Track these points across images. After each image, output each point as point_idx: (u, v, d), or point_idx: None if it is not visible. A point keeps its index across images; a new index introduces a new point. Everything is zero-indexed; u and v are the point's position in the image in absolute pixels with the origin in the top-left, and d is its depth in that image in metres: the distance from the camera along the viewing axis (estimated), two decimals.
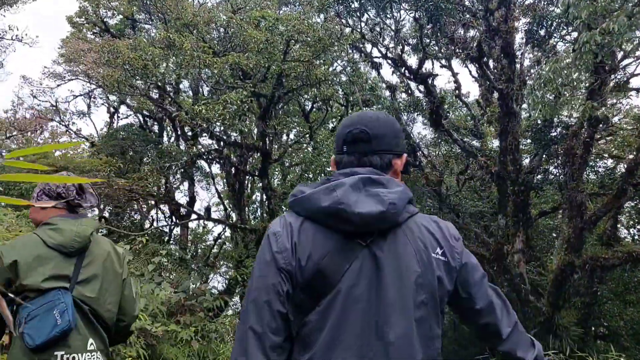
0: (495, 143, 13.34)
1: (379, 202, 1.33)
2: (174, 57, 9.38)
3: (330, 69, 13.71)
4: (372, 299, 1.32)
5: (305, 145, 16.98)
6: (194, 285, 8.06)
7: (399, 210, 1.36)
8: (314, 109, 15.42)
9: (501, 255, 10.84)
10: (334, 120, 16.95)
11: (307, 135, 14.97)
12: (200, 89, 13.75)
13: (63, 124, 18.94)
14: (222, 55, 9.99)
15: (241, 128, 10.33)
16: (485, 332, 1.53)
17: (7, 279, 2.10)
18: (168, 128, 16.92)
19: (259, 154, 13.57)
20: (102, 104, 19.22)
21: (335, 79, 13.78)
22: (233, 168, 14.34)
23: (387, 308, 1.32)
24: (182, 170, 15.55)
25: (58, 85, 15.97)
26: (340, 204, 1.32)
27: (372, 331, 1.31)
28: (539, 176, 12.34)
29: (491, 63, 12.41)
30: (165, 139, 16.92)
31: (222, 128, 11.24)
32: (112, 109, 18.19)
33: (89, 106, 18.56)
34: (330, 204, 1.33)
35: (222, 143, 13.24)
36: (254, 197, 19.28)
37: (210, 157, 14.19)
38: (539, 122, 11.58)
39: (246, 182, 16.63)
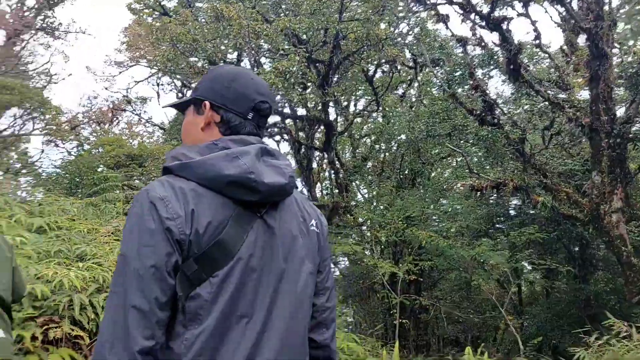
0: (584, 95, 11.92)
1: (280, 174, 1.34)
2: (222, 29, 8.96)
3: (396, 30, 12.80)
4: (266, 268, 1.30)
5: (373, 114, 16.20)
6: None
7: (294, 183, 1.40)
8: (379, 73, 14.55)
9: (597, 216, 9.62)
10: (403, 85, 16.00)
11: (374, 103, 14.14)
12: (259, 61, 13.32)
13: (135, 113, 19.52)
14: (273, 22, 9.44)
15: (297, 98, 9.78)
16: (319, 314, 1.48)
17: None
18: None
19: (322, 127, 13.02)
20: (171, 90, 19.58)
21: (400, 39, 12.86)
22: (296, 143, 13.90)
23: (280, 278, 1.32)
24: None
25: (120, 73, 16.27)
26: (250, 174, 1.26)
27: (266, 301, 1.28)
28: (637, 126, 10.89)
29: (575, 4, 10.97)
30: None
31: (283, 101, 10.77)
32: (179, 94, 18.42)
33: (158, 94, 18.96)
34: (237, 172, 1.26)
35: (283, 117, 12.84)
36: (325, 172, 18.89)
37: (275, 132, 13.82)
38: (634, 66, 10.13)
39: (315, 157, 16.16)
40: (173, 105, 1.57)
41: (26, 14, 13.05)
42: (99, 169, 12.40)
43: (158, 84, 18.61)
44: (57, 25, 14.33)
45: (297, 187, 1.43)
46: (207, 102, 1.39)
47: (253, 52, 10.04)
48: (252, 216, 1.30)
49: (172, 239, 1.19)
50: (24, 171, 11.15)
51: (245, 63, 14.31)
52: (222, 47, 10.40)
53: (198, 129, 1.40)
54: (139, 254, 1.19)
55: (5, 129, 10.98)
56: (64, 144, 17.86)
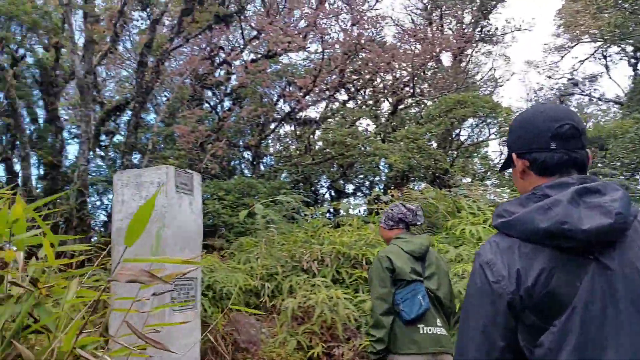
0: None
1: (604, 214, 1.20)
2: None
3: None
4: (610, 316, 1.19)
5: None
6: None
7: (627, 219, 1.22)
8: None
9: None
10: None
11: None
12: None
13: (584, 94, 18.21)
14: None
15: None
16: None
17: (392, 270, 3.19)
18: None
19: None
20: (621, 59, 17.30)
21: None
22: None
23: (628, 324, 1.19)
24: None
25: (562, 57, 15.39)
26: (563, 224, 1.20)
27: (614, 349, 1.18)
28: None
29: None
30: None
31: None
32: (631, 60, 16.08)
33: (607, 67, 17.10)
34: (550, 224, 1.22)
35: None
36: None
37: None
38: None
39: None
40: (504, 167, 1.57)
41: (465, 30, 14.26)
42: None
43: (605, 57, 16.84)
44: (494, 31, 15.03)
45: (635, 218, 1.25)
46: (513, 154, 1.45)
47: None
48: (583, 261, 1.22)
49: (499, 300, 1.25)
50: (488, 174, 12.03)
51: None
52: None
53: (518, 179, 1.46)
54: (472, 314, 1.32)
55: (466, 140, 12.17)
56: None
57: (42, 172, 12.79)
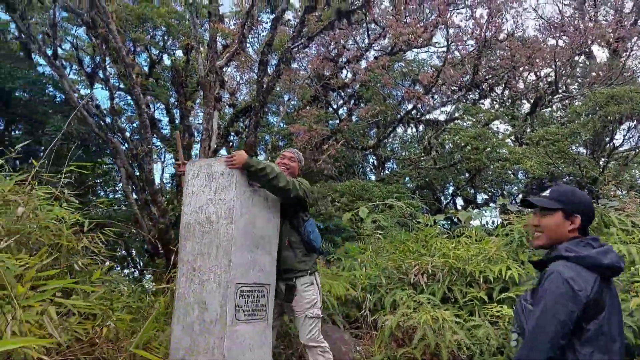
0: None
1: (620, 260, 2.13)
2: None
3: None
4: (614, 314, 2.10)
5: None
6: None
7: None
8: None
9: None
10: None
11: None
12: None
13: None
14: None
15: None
16: None
17: None
18: None
19: None
20: None
21: None
22: None
23: (619, 321, 2.15)
24: None
25: None
26: (617, 263, 2.09)
27: (617, 332, 2.11)
28: None
29: None
30: None
31: None
32: None
33: None
34: (610, 262, 2.08)
35: None
36: None
37: None
38: None
39: None
40: (538, 203, 2.30)
41: (624, 19, 12.16)
42: None
43: None
44: None
45: None
46: (578, 216, 2.20)
47: None
48: (607, 284, 2.10)
49: (578, 303, 2.02)
50: None
51: None
52: None
53: (566, 230, 2.20)
54: (557, 309, 2.02)
55: (620, 144, 10.25)
56: None
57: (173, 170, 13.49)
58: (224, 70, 11.91)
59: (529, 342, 2.02)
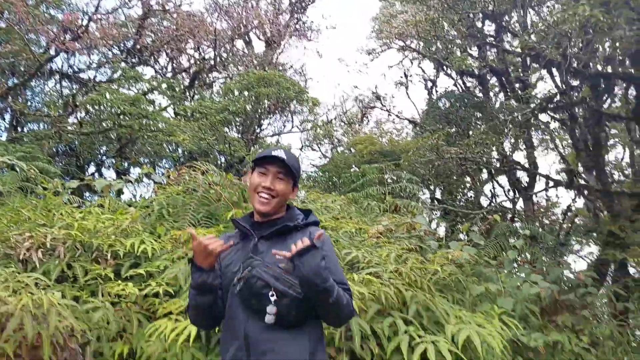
0: None
1: None
2: None
3: None
4: None
5: None
6: (573, 274, 5.67)
7: None
8: None
9: None
10: None
11: None
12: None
13: (384, 108, 18.88)
14: None
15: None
16: None
17: None
18: (496, 88, 14.71)
19: None
20: (419, 81, 18.35)
21: None
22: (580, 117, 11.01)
23: None
24: (517, 133, 13.15)
25: (372, 60, 15.63)
26: None
27: None
28: None
29: None
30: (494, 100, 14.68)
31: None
32: (429, 83, 17.12)
33: (406, 87, 17.95)
34: None
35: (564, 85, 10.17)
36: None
37: (553, 107, 11.19)
38: None
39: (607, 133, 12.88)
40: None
41: (280, 15, 13.34)
42: (351, 169, 12.08)
43: (406, 75, 17.66)
44: (310, 24, 14.43)
45: None
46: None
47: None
48: None
49: None
50: None
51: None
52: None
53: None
54: None
55: (266, 129, 11.09)
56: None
57: None
58: None
59: (349, 291, 1.97)
